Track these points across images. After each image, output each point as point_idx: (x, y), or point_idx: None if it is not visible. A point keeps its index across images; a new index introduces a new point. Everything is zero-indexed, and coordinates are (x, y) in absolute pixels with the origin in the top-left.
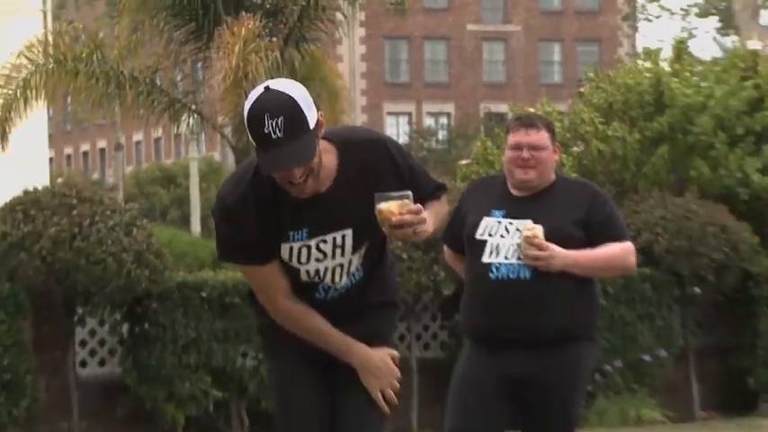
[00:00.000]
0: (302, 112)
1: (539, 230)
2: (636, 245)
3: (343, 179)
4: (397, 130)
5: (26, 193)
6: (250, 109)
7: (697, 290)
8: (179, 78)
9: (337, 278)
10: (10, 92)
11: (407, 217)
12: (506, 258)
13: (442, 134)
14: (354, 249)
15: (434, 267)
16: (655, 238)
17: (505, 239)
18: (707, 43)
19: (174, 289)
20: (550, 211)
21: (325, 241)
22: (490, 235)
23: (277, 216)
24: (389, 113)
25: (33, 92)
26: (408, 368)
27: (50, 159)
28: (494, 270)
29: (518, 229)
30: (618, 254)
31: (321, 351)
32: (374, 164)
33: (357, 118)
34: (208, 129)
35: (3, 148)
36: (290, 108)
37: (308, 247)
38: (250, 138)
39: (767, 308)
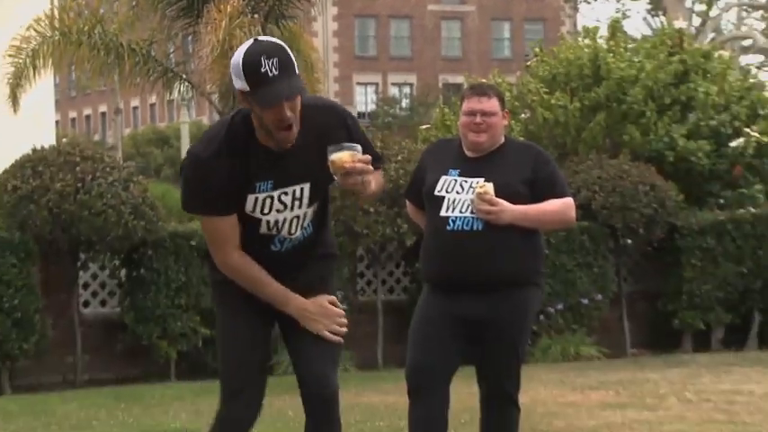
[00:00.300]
0: (291, 56)
1: (489, 187)
2: (576, 201)
3: (304, 139)
4: (365, 98)
5: (34, 151)
6: (245, 55)
7: (629, 241)
8: (171, 50)
9: (293, 229)
10: (20, 61)
11: (359, 165)
12: (461, 212)
13: (405, 102)
14: (310, 202)
15: (398, 220)
16: (592, 195)
17: (460, 195)
18: (638, 23)
19: (167, 238)
20: (500, 170)
21: (286, 193)
22: (447, 191)
23: (249, 165)
24: (358, 84)
25: (41, 61)
26: (375, 309)
27: (56, 122)
28: (450, 223)
29: (471, 186)
30: (560, 209)
31: (269, 304)
32: (330, 127)
33: (330, 87)
34: (197, 95)
35: (14, 111)
36: (283, 51)
37: (272, 198)
38: (244, 82)
39: (691, 257)
